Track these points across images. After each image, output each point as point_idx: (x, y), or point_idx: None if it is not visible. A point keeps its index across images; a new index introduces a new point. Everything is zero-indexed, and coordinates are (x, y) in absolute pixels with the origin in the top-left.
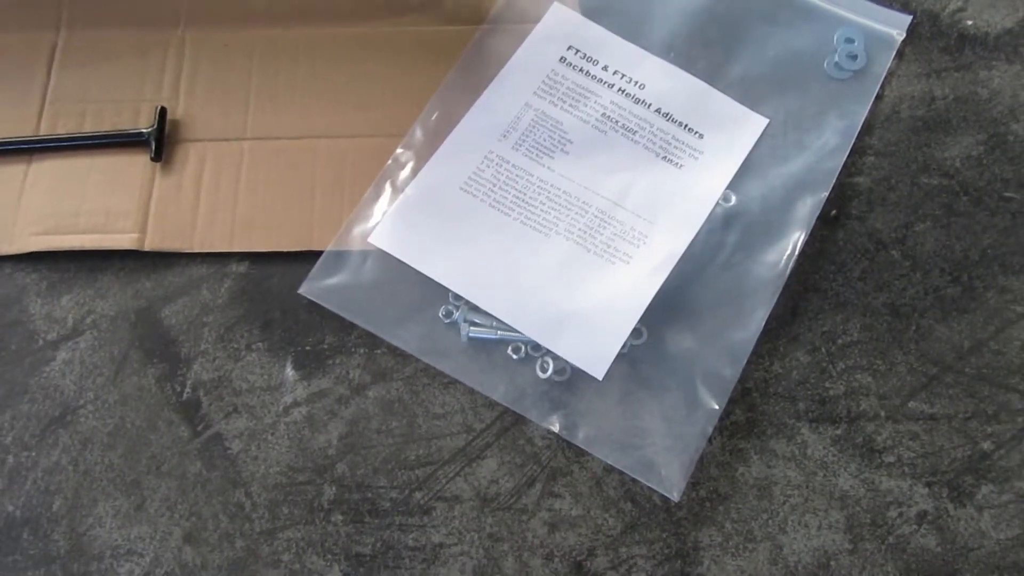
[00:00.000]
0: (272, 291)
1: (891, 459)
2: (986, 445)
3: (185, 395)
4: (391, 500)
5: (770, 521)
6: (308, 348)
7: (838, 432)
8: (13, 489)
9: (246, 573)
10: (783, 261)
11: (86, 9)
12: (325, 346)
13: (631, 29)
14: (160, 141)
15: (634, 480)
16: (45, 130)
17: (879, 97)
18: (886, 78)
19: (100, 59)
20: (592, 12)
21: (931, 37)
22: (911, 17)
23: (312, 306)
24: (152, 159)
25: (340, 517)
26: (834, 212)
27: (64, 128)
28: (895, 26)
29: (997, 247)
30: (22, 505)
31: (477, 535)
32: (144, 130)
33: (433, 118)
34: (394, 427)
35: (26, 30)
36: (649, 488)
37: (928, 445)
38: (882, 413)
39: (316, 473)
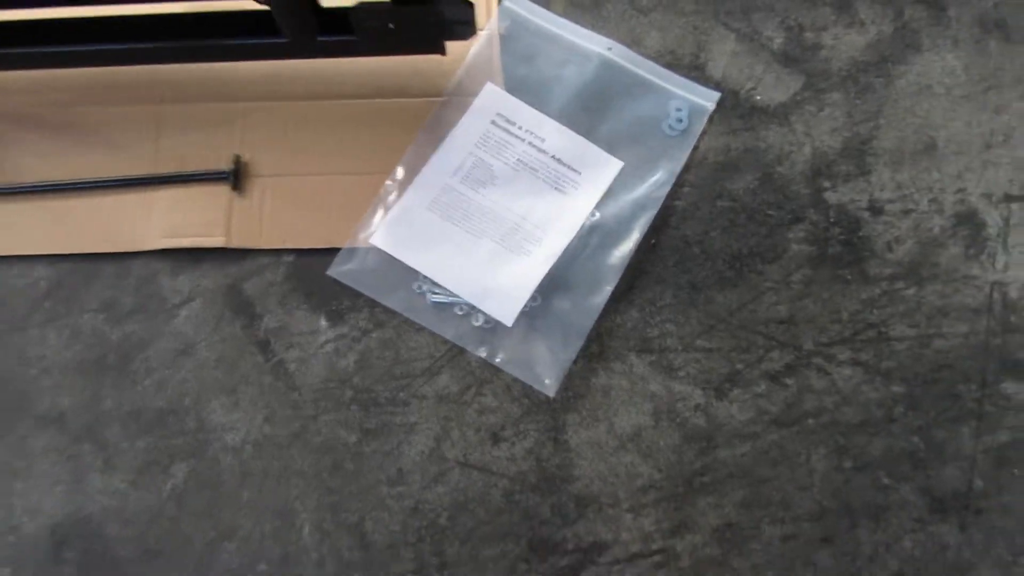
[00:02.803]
0: (310, 272)
1: (682, 374)
2: (739, 366)
3: (259, 336)
4: (385, 398)
5: (608, 410)
6: (333, 308)
7: (652, 359)
8: (160, 393)
9: (301, 440)
10: (625, 254)
11: (178, 90)
12: (344, 307)
13: (538, 101)
14: (236, 176)
15: (529, 385)
16: (159, 170)
17: (695, 148)
18: (700, 135)
19: (192, 122)
20: (513, 89)
21: (732, 107)
22: (719, 94)
23: (336, 282)
24: (232, 188)
25: (355, 407)
26: (653, 241)
27: (172, 168)
28: (709, 100)
29: (759, 246)
30: (167, 402)
31: (435, 418)
32: (226, 170)
33: (409, 162)
34: (386, 355)
35: (140, 103)
36: (538, 390)
37: (705, 366)
38: (679, 347)
39: (340, 382)
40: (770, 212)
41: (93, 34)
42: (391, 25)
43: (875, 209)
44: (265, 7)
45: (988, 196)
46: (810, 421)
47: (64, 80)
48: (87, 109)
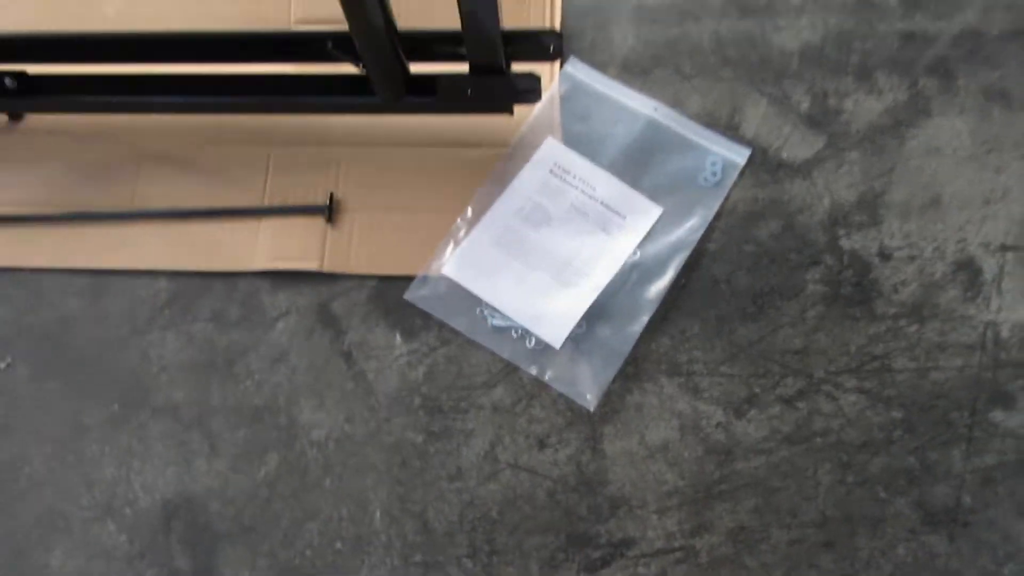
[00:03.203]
0: (390, 295)
1: (706, 395)
2: (757, 390)
3: (344, 348)
4: (448, 406)
5: (640, 424)
6: (408, 327)
7: (681, 381)
8: (259, 392)
9: (375, 439)
10: (661, 290)
11: (285, 136)
12: (417, 326)
13: (591, 153)
14: (331, 211)
15: (572, 400)
16: (266, 203)
17: (727, 198)
18: (732, 187)
19: (296, 163)
20: (569, 143)
21: (761, 163)
22: (750, 151)
23: (411, 305)
24: (326, 221)
25: (423, 413)
26: (683, 282)
27: (277, 202)
28: (741, 156)
29: (779, 285)
30: (263, 400)
31: (491, 425)
32: (322, 204)
33: (477, 203)
34: (451, 369)
35: (253, 145)
36: (580, 405)
37: (727, 389)
38: (705, 372)
39: (410, 391)
40: (790, 256)
41: (218, 88)
42: (469, 91)
43: (884, 255)
44: (363, 73)
45: (986, 246)
46: (818, 440)
47: (192, 124)
48: (209, 149)
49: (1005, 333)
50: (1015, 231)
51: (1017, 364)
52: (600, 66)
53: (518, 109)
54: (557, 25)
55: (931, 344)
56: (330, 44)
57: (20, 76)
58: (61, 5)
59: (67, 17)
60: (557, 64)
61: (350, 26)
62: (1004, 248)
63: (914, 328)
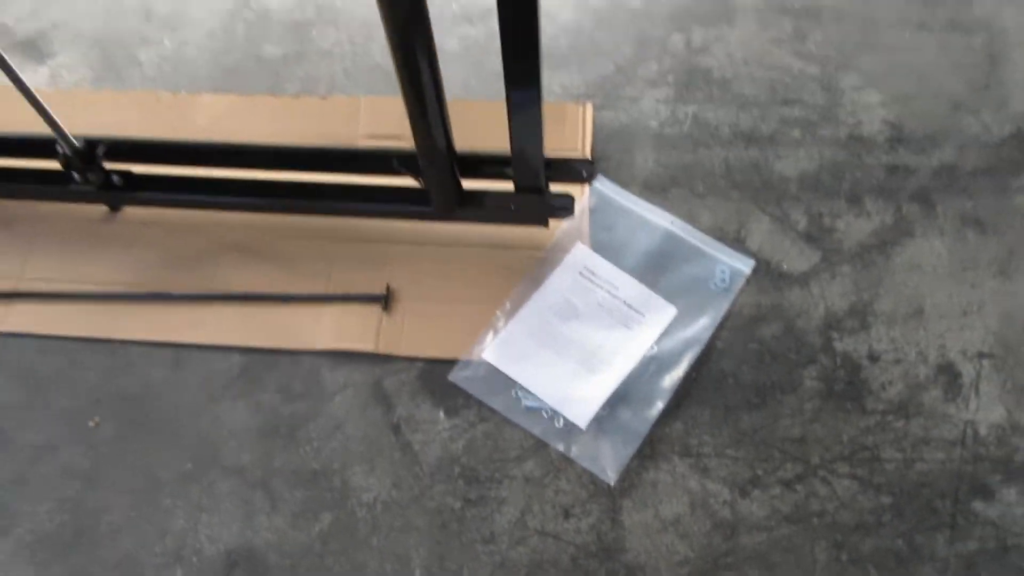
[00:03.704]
0: (435, 376)
1: (715, 476)
2: (760, 472)
3: (393, 422)
4: (484, 476)
5: (655, 499)
6: (451, 404)
7: (691, 461)
8: (316, 458)
9: (418, 503)
10: (675, 380)
11: (349, 234)
12: (459, 404)
13: (615, 258)
14: (386, 300)
15: (595, 475)
16: (330, 290)
17: (734, 302)
18: (739, 293)
19: (356, 257)
20: (596, 249)
21: (764, 273)
22: (755, 262)
23: (454, 385)
24: (382, 308)
25: (461, 481)
26: (694, 375)
27: (339, 290)
28: (747, 266)
29: (780, 380)
30: (320, 465)
31: (522, 494)
32: (379, 294)
33: (515, 297)
34: (488, 444)
35: (320, 240)
36: (602, 479)
37: (733, 470)
38: (713, 454)
39: (451, 461)
40: (790, 355)
41: (293, 192)
42: (513, 207)
43: (873, 357)
44: (422, 186)
45: (964, 352)
46: (814, 520)
47: (268, 221)
48: (282, 242)
49: (983, 431)
50: (991, 340)
51: (995, 460)
52: (624, 184)
53: (553, 220)
54: (589, 154)
55: (916, 438)
56: (395, 161)
57: (126, 174)
58: (162, 116)
59: (166, 126)
60: (587, 185)
61: (416, 146)
62: (981, 355)
63: (900, 423)
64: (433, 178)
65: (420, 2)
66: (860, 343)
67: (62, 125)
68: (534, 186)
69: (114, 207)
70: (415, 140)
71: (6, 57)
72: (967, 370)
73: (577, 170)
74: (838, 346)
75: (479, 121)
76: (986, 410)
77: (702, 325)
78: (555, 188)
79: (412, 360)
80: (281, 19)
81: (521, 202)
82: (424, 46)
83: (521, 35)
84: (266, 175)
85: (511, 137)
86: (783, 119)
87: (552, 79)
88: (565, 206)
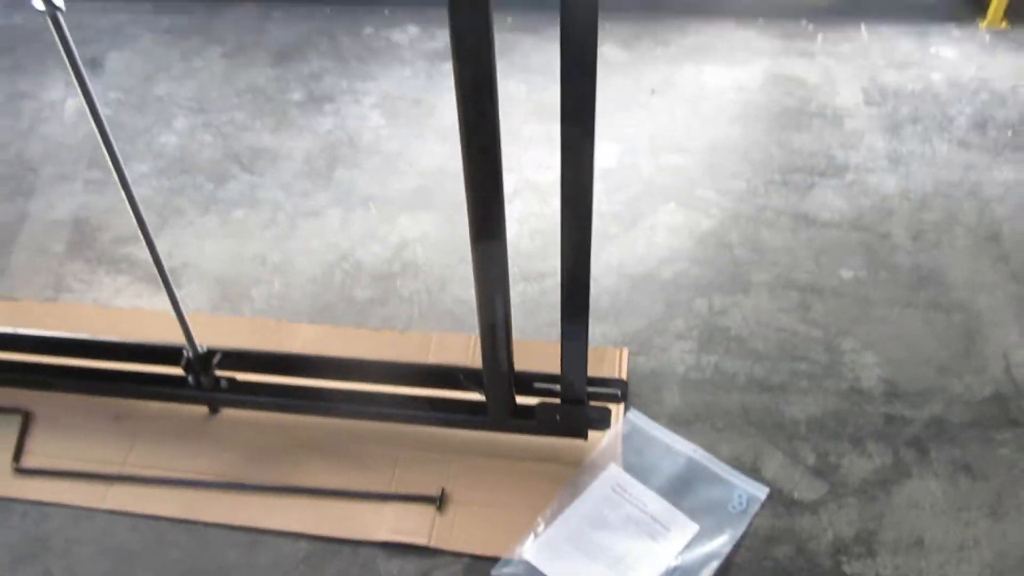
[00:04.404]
0: (480, 570)
1: None
2: None
3: None
4: None
5: None
6: None
7: None
8: None
9: None
10: None
11: (411, 441)
12: None
13: (644, 479)
14: (441, 501)
15: None
16: (392, 490)
17: (750, 523)
18: (754, 515)
19: (415, 463)
20: (627, 469)
21: (777, 500)
22: (768, 489)
23: None
24: (436, 508)
25: None
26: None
27: (400, 490)
28: (761, 492)
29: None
30: None
31: None
32: (435, 496)
33: (554, 505)
34: None
35: (384, 445)
36: None
37: None
38: None
39: None
40: (802, 574)
41: (367, 399)
42: (559, 417)
43: None
44: (482, 398)
45: None
46: None
47: (341, 424)
48: (353, 443)
49: None
50: (986, 573)
51: None
52: (654, 417)
53: (591, 435)
54: (625, 376)
55: None
56: (461, 376)
57: (231, 380)
58: (265, 338)
59: (269, 340)
60: (622, 406)
61: (483, 365)
62: None
63: None
64: (493, 392)
65: (505, 268)
66: (867, 568)
67: (180, 340)
68: (577, 398)
69: (215, 409)
70: (483, 360)
71: (143, 284)
72: None
73: (614, 389)
74: (847, 569)
75: (531, 354)
76: None
77: (721, 542)
78: (595, 404)
79: (460, 555)
80: (372, 271)
81: (565, 412)
82: (502, 294)
83: (576, 289)
84: (345, 385)
85: (562, 356)
86: (792, 372)
87: (594, 329)
88: (603, 418)
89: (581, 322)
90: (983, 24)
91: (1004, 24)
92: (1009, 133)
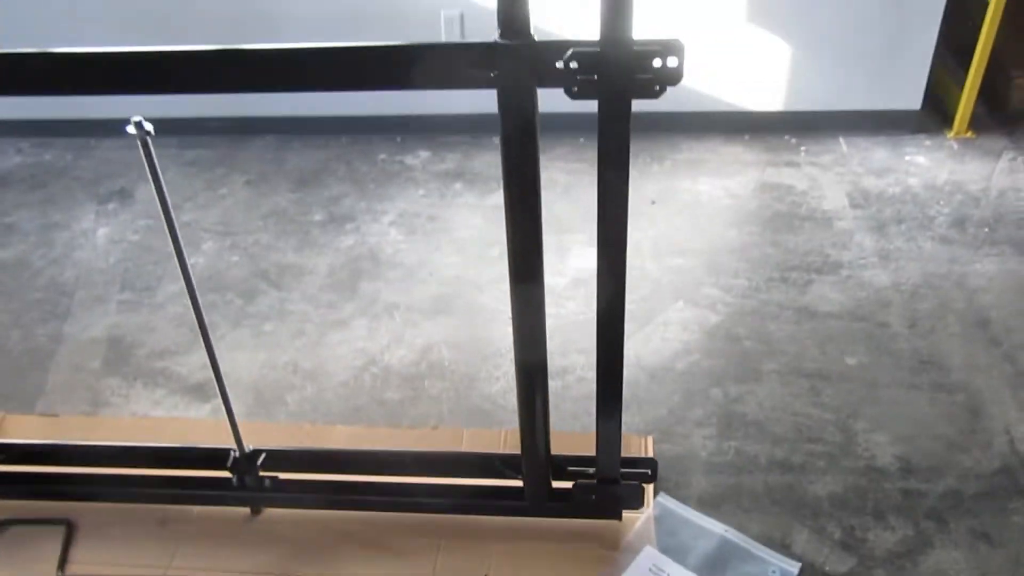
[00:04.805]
0: None
1: None
2: None
3: None
4: None
5: None
6: None
7: None
8: None
9: None
10: None
11: (450, 531)
12: None
13: (679, 558)
14: None
15: None
16: None
17: None
18: None
19: (455, 550)
20: (662, 550)
21: (810, 573)
22: (800, 564)
23: None
24: None
25: None
26: None
27: None
28: (793, 567)
29: None
30: None
31: None
32: None
33: None
34: None
35: (426, 537)
36: None
37: None
38: None
39: None
40: None
41: (405, 491)
42: (594, 496)
43: None
44: (520, 484)
45: None
46: None
47: (381, 516)
48: (392, 536)
49: None
50: None
51: None
52: (683, 499)
53: (625, 517)
54: (652, 453)
55: None
56: (498, 462)
57: (274, 479)
58: (301, 441)
59: (305, 442)
60: (652, 487)
61: (523, 452)
62: None
63: None
64: (531, 476)
65: (544, 362)
66: None
67: (222, 444)
68: (612, 478)
69: (257, 510)
70: (522, 446)
71: (179, 397)
72: None
73: (644, 468)
74: None
75: (560, 443)
76: None
77: None
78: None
79: None
80: (400, 373)
81: (601, 491)
82: (542, 388)
83: (610, 376)
84: (384, 479)
85: (597, 437)
86: (810, 452)
87: None
88: (636, 495)
89: (615, 403)
90: (950, 134)
91: (969, 133)
92: (986, 230)
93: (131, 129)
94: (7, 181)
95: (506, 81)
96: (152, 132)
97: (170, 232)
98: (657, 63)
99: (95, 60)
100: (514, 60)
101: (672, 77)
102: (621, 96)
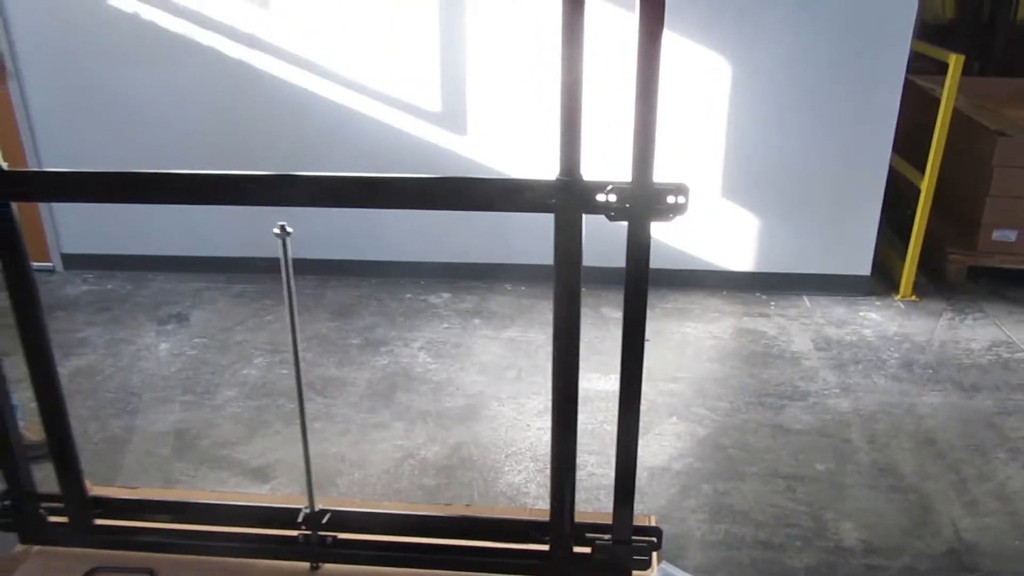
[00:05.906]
0: None
1: None
2: None
3: None
4: None
5: None
6: None
7: None
8: None
9: None
10: None
11: None
12: None
13: None
14: None
15: None
16: None
17: None
18: None
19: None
20: None
21: None
22: None
23: None
24: None
25: None
26: None
27: None
28: None
29: None
30: None
31: None
32: None
33: None
34: None
35: None
36: None
37: None
38: None
39: None
40: None
41: (445, 552)
42: (608, 556)
43: None
44: (546, 547)
45: None
46: None
47: (425, 573)
48: None
49: None
50: None
51: None
52: (684, 568)
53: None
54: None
55: None
56: (530, 529)
57: (334, 538)
58: (355, 505)
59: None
60: (656, 554)
61: (551, 518)
62: None
63: None
64: (557, 540)
65: (574, 453)
66: None
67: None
68: (626, 540)
69: (316, 566)
70: (551, 513)
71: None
72: None
73: (651, 536)
74: None
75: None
76: None
77: None
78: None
79: None
80: (435, 464)
81: (616, 551)
82: (570, 471)
83: (627, 463)
84: (428, 540)
85: (615, 505)
86: (787, 535)
87: None
88: (645, 555)
89: (630, 479)
90: (897, 297)
91: (914, 297)
92: (930, 371)
93: (276, 230)
94: (77, 304)
95: (562, 207)
96: (291, 232)
97: (290, 324)
98: (671, 199)
99: (201, 179)
100: (568, 192)
101: (681, 209)
102: (646, 220)
